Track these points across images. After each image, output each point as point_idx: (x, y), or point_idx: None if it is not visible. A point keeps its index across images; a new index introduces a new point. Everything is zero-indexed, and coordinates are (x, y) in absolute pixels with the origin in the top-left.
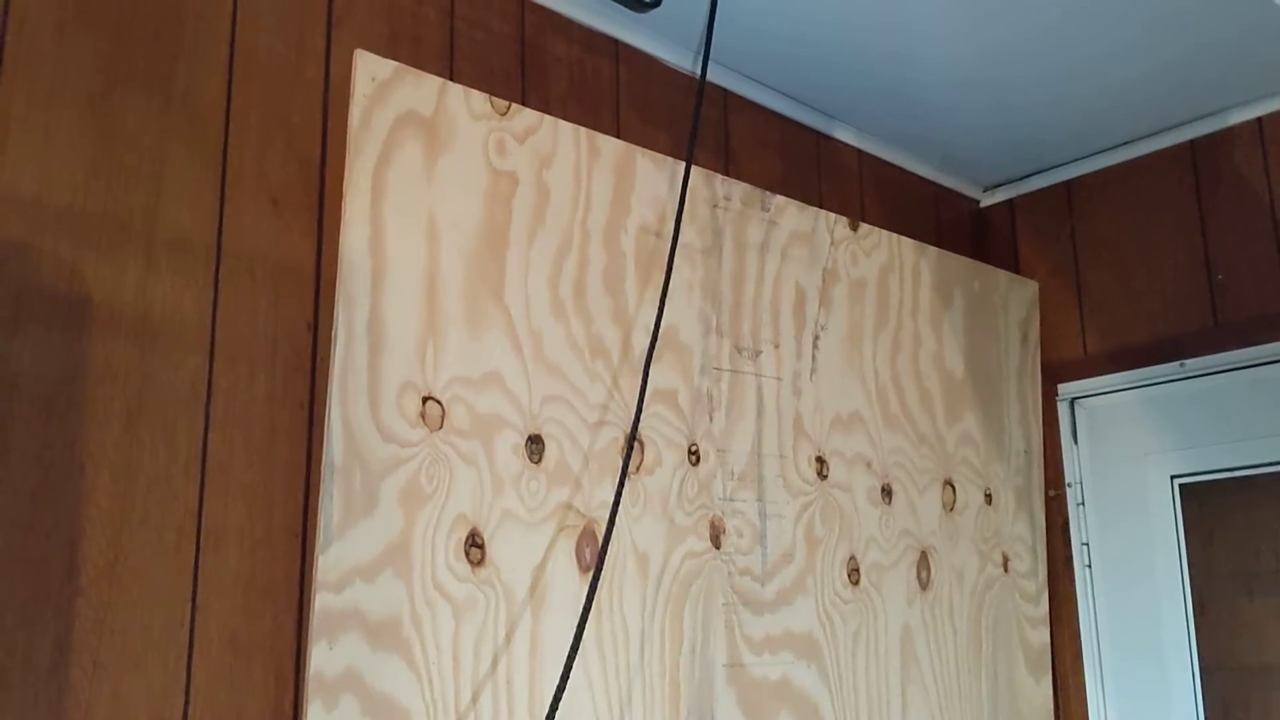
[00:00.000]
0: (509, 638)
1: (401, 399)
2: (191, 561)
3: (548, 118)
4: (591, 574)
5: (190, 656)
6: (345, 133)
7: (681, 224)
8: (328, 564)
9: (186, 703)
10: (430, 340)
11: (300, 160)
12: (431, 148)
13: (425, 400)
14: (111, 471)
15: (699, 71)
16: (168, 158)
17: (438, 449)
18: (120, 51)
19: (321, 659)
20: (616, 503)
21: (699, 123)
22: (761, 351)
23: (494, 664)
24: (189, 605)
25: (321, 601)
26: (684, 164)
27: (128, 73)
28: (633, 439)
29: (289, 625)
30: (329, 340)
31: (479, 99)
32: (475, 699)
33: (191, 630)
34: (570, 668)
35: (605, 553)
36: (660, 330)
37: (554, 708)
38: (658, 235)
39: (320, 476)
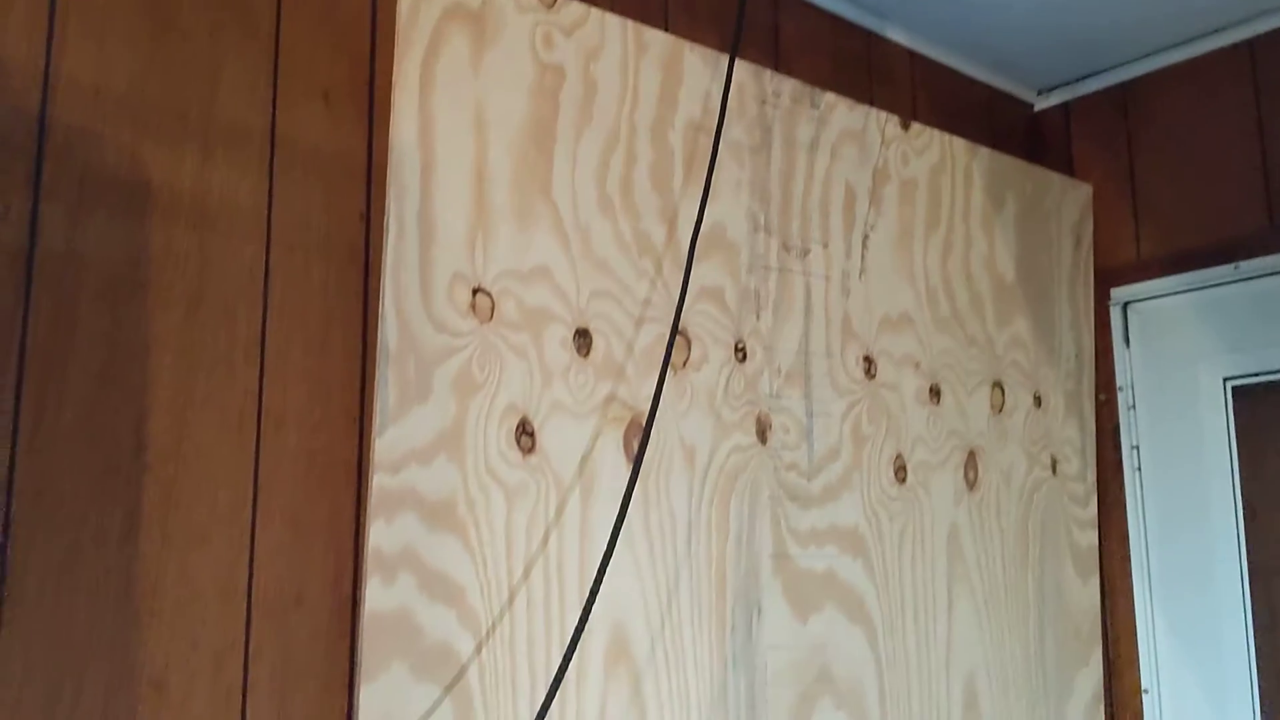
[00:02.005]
0: (559, 522)
1: (452, 290)
2: (253, 442)
3: (595, 10)
4: (640, 464)
5: (253, 532)
6: (394, 27)
7: (729, 120)
8: (384, 446)
9: (250, 576)
10: (479, 233)
11: (350, 54)
12: (478, 41)
13: (475, 292)
14: (174, 353)
15: None
16: (222, 50)
17: (488, 340)
18: None
19: (380, 536)
20: (658, 394)
21: (744, 19)
22: (810, 250)
23: (544, 546)
24: (251, 483)
25: (379, 482)
26: (734, 59)
27: None
28: (674, 333)
29: (348, 505)
30: (381, 231)
31: None
32: (527, 577)
33: (254, 507)
34: (610, 553)
35: (646, 443)
36: (706, 227)
37: (594, 591)
38: (705, 132)
39: (375, 363)
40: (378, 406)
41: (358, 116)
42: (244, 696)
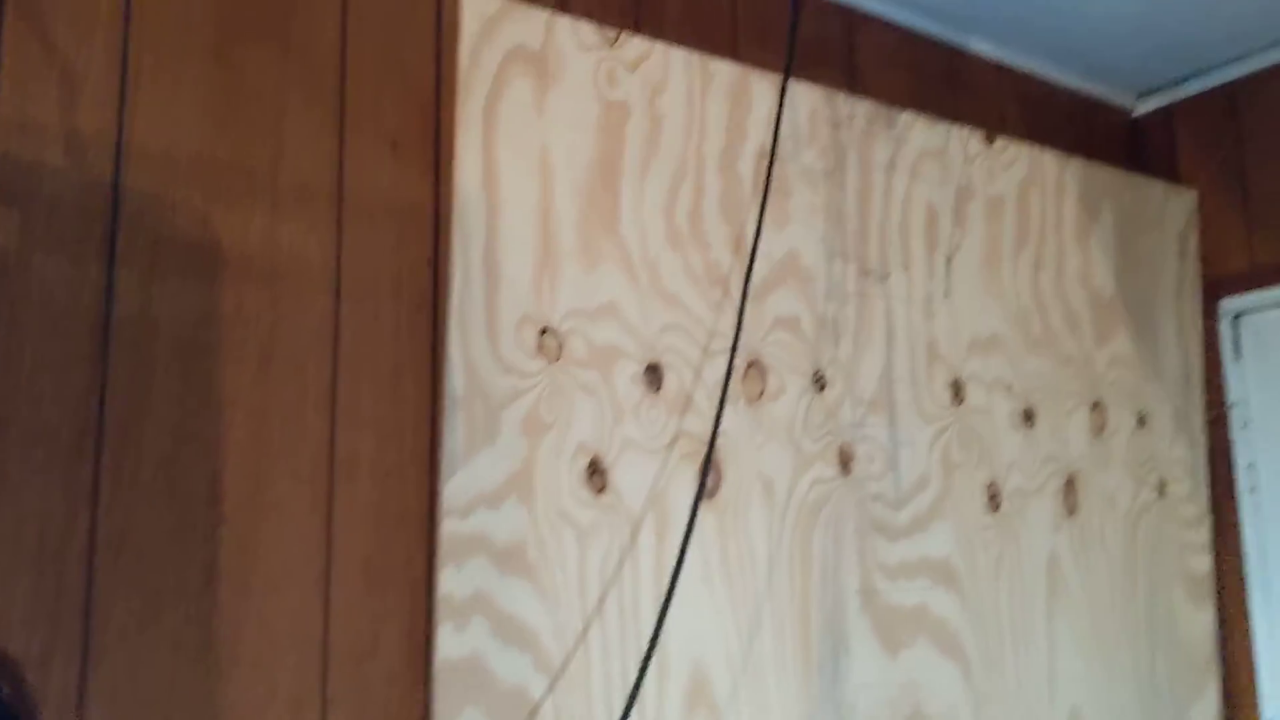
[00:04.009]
0: (632, 561)
1: (519, 331)
2: (325, 492)
3: (658, 45)
4: (715, 500)
5: (328, 581)
6: (457, 72)
7: (801, 146)
8: (453, 491)
9: (325, 625)
10: (546, 273)
11: (416, 102)
12: (541, 82)
13: (543, 332)
14: (247, 408)
15: None
16: (288, 106)
17: (556, 379)
18: (238, 5)
19: (450, 582)
20: (717, 424)
21: (796, 35)
22: (890, 274)
23: (618, 586)
24: (325, 533)
25: (448, 527)
26: (801, 84)
27: (246, 25)
28: (731, 362)
29: (420, 551)
30: (448, 277)
31: (587, 30)
32: (600, 618)
33: (328, 556)
34: (673, 590)
35: (706, 475)
36: (780, 254)
37: (658, 629)
38: (777, 159)
39: (443, 408)
40: (445, 451)
41: (424, 164)
42: None
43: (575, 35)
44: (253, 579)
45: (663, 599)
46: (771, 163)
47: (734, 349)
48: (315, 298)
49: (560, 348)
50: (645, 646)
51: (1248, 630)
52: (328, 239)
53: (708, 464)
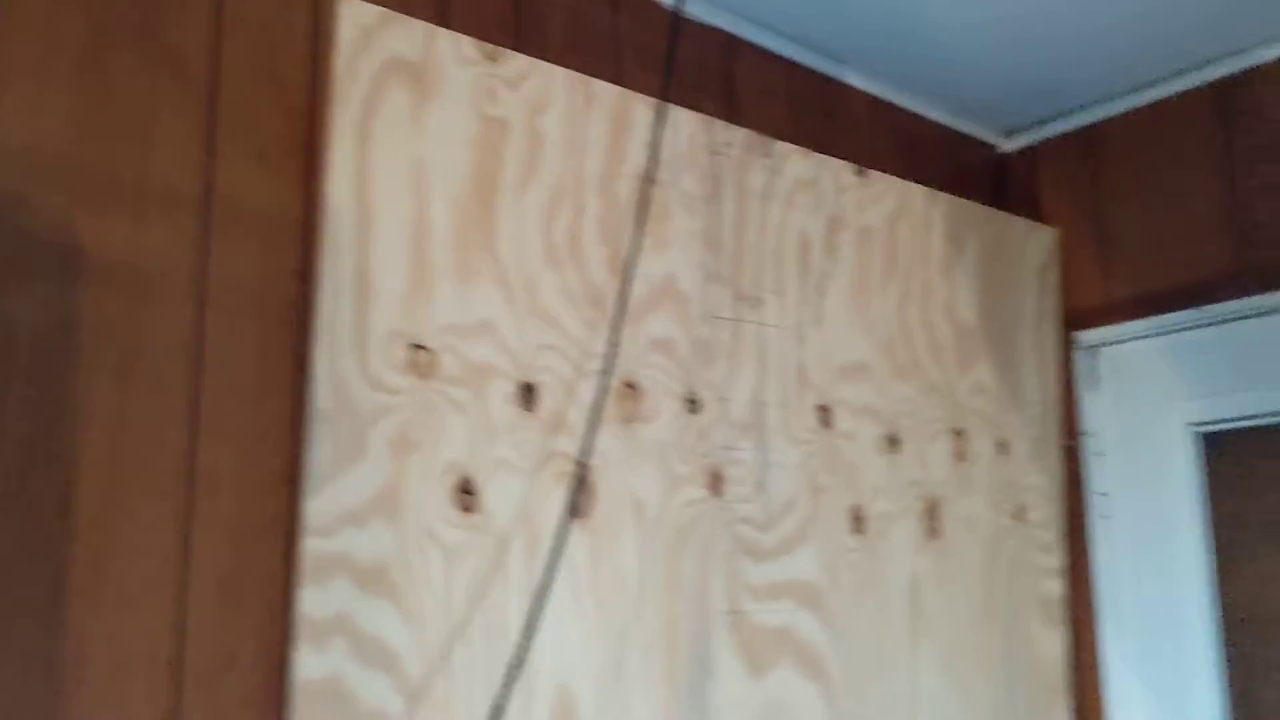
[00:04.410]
0: (501, 583)
1: (390, 347)
2: (184, 506)
3: (541, 64)
4: (587, 522)
5: (183, 599)
6: (332, 82)
7: (680, 170)
8: (316, 509)
9: (180, 644)
10: (419, 289)
11: (289, 111)
12: (419, 95)
13: (415, 349)
14: (105, 419)
15: (681, 9)
16: (157, 112)
17: (427, 397)
18: (108, 8)
19: (311, 602)
20: (588, 446)
21: (672, 66)
22: (764, 300)
23: (486, 610)
24: (181, 549)
25: (311, 546)
26: (682, 110)
27: (116, 29)
28: (605, 385)
29: (280, 570)
30: (317, 289)
31: (468, 45)
32: (466, 640)
33: (185, 573)
34: (537, 614)
35: (599, 501)
36: (657, 278)
37: (522, 652)
38: (656, 183)
39: (308, 423)
40: (309, 468)
41: (295, 174)
42: None
43: (456, 49)
44: (104, 595)
45: (521, 628)
46: (648, 183)
47: (608, 367)
48: (178, 307)
49: (432, 365)
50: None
51: (1098, 652)
52: (193, 247)
53: (577, 485)
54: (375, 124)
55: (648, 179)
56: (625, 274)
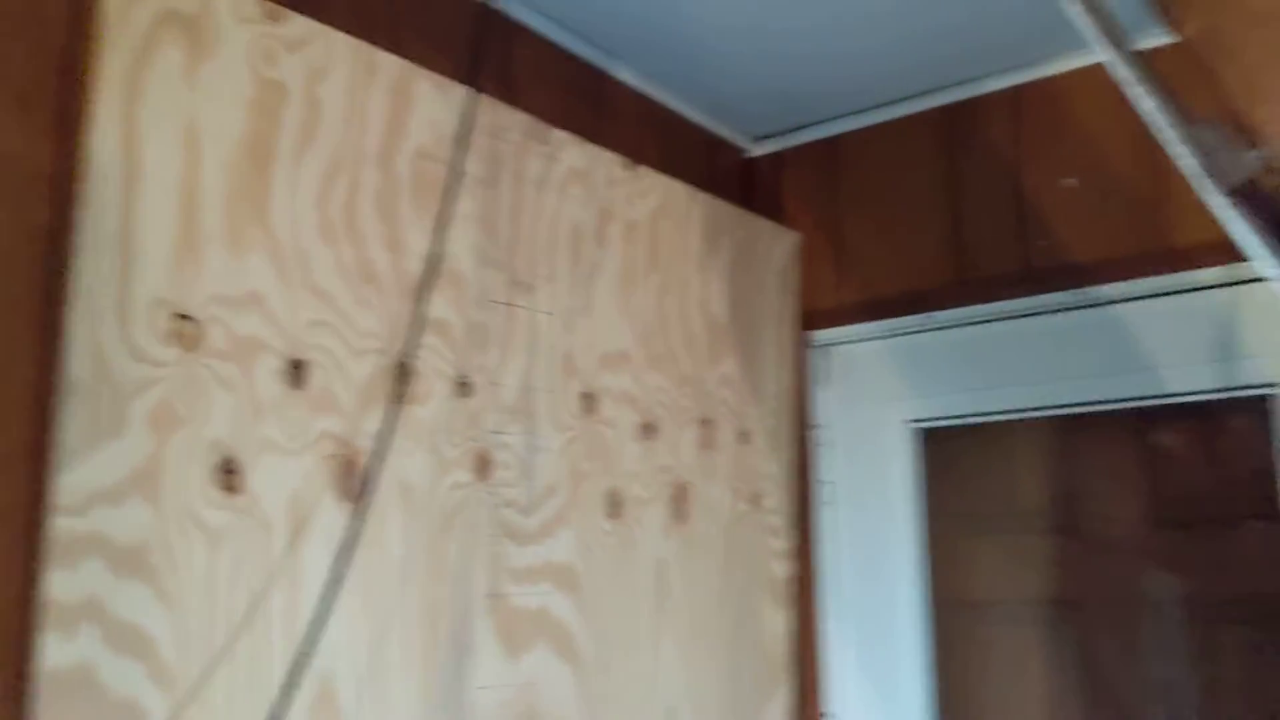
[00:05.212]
0: (267, 568)
1: (153, 316)
2: None
3: (324, 28)
4: (356, 505)
5: None
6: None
7: (461, 153)
8: (67, 486)
9: None
10: (188, 255)
11: (52, 60)
12: (194, 50)
13: (180, 318)
14: None
15: None
16: None
17: (192, 370)
18: None
19: (60, 586)
20: (385, 433)
21: (483, 51)
22: (536, 287)
23: (250, 594)
24: None
25: (60, 525)
26: (467, 89)
27: None
28: (403, 368)
29: (22, 551)
30: (74, 249)
31: (249, 1)
32: (229, 627)
33: None
34: (331, 601)
35: (368, 483)
36: (436, 260)
37: (311, 640)
38: (435, 161)
39: (60, 395)
40: (60, 442)
41: (53, 125)
42: None
43: (235, 4)
44: None
45: (310, 617)
46: (456, 171)
47: (407, 351)
48: None
49: (198, 336)
50: (278, 658)
51: (820, 632)
52: None
53: (371, 471)
54: (146, 78)
55: (429, 156)
56: (432, 251)
